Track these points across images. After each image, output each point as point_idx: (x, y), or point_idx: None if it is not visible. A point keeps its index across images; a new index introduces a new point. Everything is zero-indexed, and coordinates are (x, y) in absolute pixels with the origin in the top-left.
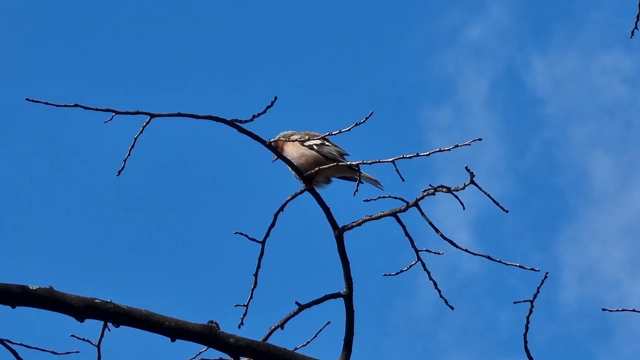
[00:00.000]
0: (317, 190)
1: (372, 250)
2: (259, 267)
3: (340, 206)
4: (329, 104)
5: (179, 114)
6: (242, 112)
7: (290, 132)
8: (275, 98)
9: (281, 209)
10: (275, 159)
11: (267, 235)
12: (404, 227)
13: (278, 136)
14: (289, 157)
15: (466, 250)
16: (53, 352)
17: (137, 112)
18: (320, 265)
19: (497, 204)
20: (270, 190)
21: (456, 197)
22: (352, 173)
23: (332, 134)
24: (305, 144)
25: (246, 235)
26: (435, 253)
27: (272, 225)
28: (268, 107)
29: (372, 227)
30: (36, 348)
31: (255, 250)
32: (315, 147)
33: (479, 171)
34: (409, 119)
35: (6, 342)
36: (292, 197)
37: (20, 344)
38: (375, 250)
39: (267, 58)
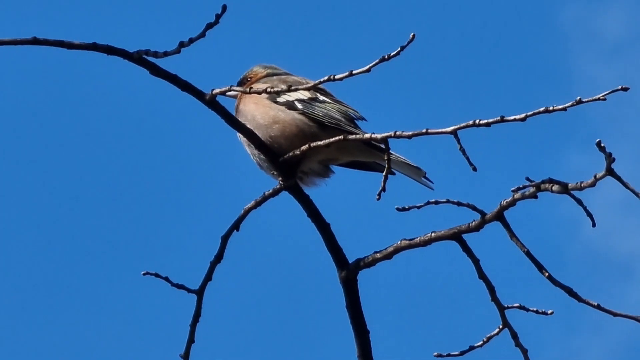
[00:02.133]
0: (306, 190)
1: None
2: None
3: (347, 218)
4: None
5: (35, 40)
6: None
7: (265, 69)
8: (224, 7)
9: (235, 227)
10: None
11: (204, 286)
12: (472, 255)
13: (242, 77)
14: (249, 124)
15: (585, 302)
16: None
17: None
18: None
19: None
20: (220, 185)
21: (578, 201)
22: (373, 156)
23: (334, 79)
24: (280, 99)
25: (182, 287)
26: (533, 312)
27: (209, 275)
28: (209, 25)
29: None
30: None
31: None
32: (299, 105)
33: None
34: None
35: None
36: (256, 206)
37: None
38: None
39: None
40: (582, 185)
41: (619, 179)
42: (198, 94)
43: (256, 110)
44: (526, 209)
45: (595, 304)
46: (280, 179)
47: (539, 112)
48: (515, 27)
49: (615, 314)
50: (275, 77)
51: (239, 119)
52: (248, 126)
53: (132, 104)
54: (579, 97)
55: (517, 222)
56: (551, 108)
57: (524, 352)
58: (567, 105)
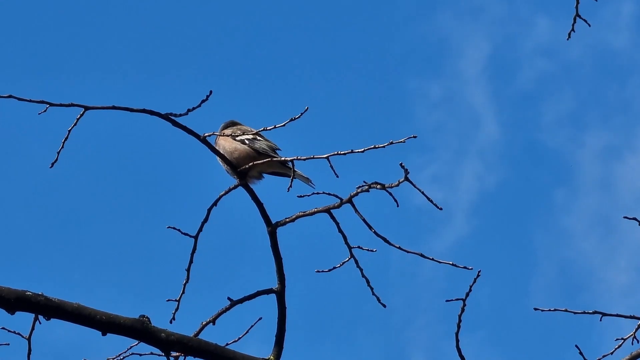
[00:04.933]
0: (251, 186)
1: (306, 247)
2: (191, 262)
3: (274, 202)
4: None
5: (113, 107)
6: (179, 106)
7: (231, 122)
8: (210, 92)
9: (214, 203)
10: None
11: (200, 230)
12: (337, 223)
13: (221, 127)
14: (222, 151)
15: (399, 248)
16: None
17: (72, 105)
18: (254, 261)
19: (432, 201)
20: (204, 185)
21: (390, 194)
22: (285, 169)
23: (266, 129)
24: (237, 138)
25: (179, 230)
26: (368, 250)
27: (205, 220)
28: (203, 101)
29: (306, 224)
30: None
31: (188, 245)
32: (247, 142)
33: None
34: (396, 90)
35: None
36: (226, 192)
37: None
38: (309, 247)
39: (218, 47)
40: (392, 185)
41: (413, 184)
42: (196, 136)
43: (225, 144)
44: (368, 198)
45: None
46: (237, 179)
47: (370, 148)
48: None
49: (408, 252)
50: (235, 127)
51: (218, 149)
52: (222, 152)
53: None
54: (374, 144)
55: (362, 206)
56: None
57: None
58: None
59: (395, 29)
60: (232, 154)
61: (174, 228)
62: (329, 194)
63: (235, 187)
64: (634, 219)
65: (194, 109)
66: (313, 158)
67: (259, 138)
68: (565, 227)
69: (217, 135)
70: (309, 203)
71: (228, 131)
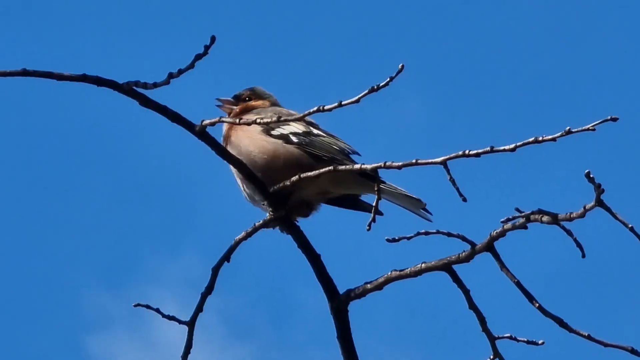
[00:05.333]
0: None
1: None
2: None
3: (335, 244)
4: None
5: (25, 72)
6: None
7: (252, 93)
8: (213, 38)
9: (225, 258)
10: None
11: (196, 316)
12: (462, 286)
13: (229, 103)
14: (241, 155)
15: (588, 337)
16: None
17: None
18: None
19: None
20: (210, 216)
21: (568, 232)
22: (365, 187)
23: (323, 110)
24: (274, 131)
25: (175, 319)
26: (529, 342)
27: (200, 308)
28: (199, 55)
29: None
30: None
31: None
32: (294, 139)
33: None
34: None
35: None
36: (246, 237)
37: None
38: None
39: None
40: (571, 216)
41: (608, 209)
42: (188, 125)
43: (251, 145)
44: (516, 240)
45: (586, 334)
46: (270, 209)
47: (529, 143)
48: (504, 60)
49: (605, 345)
50: (264, 109)
51: (230, 150)
52: (240, 158)
53: (121, 135)
54: (568, 128)
55: (507, 252)
56: (540, 138)
57: None
58: (556, 135)
59: None
60: (261, 160)
61: (169, 317)
62: (450, 235)
63: (265, 224)
64: None
65: (178, 74)
66: (416, 164)
67: (315, 132)
68: None
69: (230, 123)
70: (408, 249)
71: (251, 116)
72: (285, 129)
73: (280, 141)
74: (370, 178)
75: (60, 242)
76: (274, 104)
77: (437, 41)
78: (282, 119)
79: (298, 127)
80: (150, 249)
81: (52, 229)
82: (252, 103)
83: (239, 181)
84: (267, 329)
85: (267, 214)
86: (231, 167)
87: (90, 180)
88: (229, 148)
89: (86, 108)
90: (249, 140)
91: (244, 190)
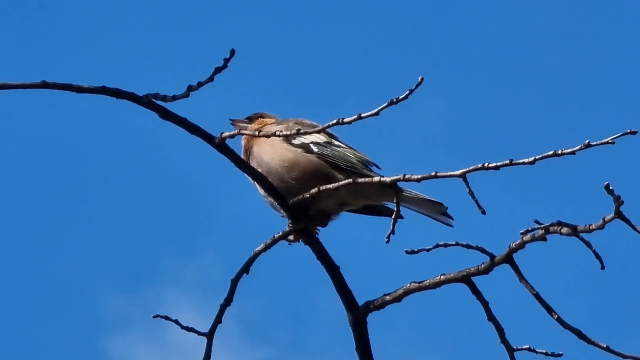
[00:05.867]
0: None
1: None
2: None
3: (354, 256)
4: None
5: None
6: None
7: (270, 118)
8: (233, 51)
9: (245, 270)
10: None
11: (214, 328)
12: (481, 297)
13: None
14: (261, 167)
15: (607, 349)
16: None
17: None
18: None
19: None
20: (229, 228)
21: (587, 244)
22: (386, 196)
23: (342, 122)
24: (296, 140)
25: (193, 330)
26: (547, 355)
27: (219, 320)
28: (218, 69)
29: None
30: None
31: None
32: (314, 148)
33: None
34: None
35: None
36: (265, 249)
37: None
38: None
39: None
40: (590, 227)
41: (627, 221)
42: (207, 137)
43: (273, 153)
44: (535, 251)
45: (605, 345)
46: (289, 221)
47: (548, 156)
48: (519, 69)
49: (624, 356)
50: (290, 119)
51: (252, 161)
52: (260, 170)
53: (141, 147)
54: (587, 141)
55: (526, 264)
56: (560, 152)
57: None
58: (575, 148)
59: None
60: (284, 172)
61: (188, 328)
62: (469, 247)
63: (285, 236)
64: None
65: (197, 87)
66: (435, 177)
67: (336, 142)
68: None
69: (249, 135)
70: (427, 261)
71: (271, 127)
72: (306, 139)
73: (300, 150)
74: (390, 186)
75: (81, 245)
76: (271, 117)
77: (462, 44)
78: (301, 131)
79: (319, 138)
80: (169, 252)
81: (73, 233)
82: (267, 119)
83: (259, 189)
84: (285, 333)
85: (287, 226)
86: (251, 179)
87: (109, 186)
88: (250, 159)
89: (105, 122)
90: (271, 149)
91: (266, 198)
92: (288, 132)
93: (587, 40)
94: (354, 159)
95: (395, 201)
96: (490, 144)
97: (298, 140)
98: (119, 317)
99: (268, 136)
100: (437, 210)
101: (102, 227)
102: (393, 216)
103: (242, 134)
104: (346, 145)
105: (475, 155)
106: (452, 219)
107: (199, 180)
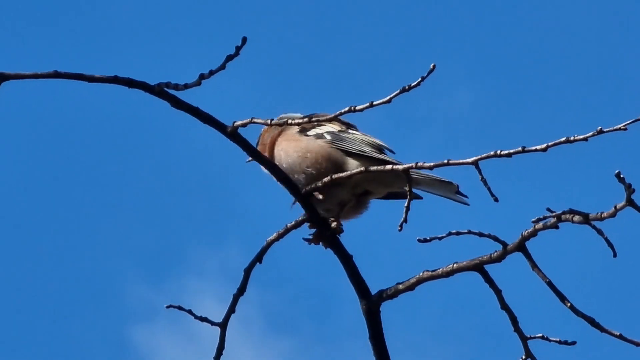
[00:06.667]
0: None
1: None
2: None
3: (367, 245)
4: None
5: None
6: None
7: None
8: (244, 39)
9: (257, 259)
10: (250, 160)
11: (227, 318)
12: (494, 286)
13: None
14: (281, 162)
15: (620, 337)
16: None
17: None
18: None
19: None
20: (241, 217)
21: (599, 231)
22: (400, 181)
23: (354, 110)
24: (311, 131)
25: (207, 320)
26: (561, 343)
27: (232, 309)
28: (230, 56)
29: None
30: None
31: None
32: (327, 136)
33: None
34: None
35: None
36: (278, 238)
37: None
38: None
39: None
40: (602, 215)
41: (638, 209)
42: (219, 126)
43: (288, 146)
44: (548, 239)
45: (618, 333)
46: (306, 211)
47: (560, 142)
48: (535, 58)
49: (638, 344)
50: (295, 115)
51: (267, 154)
52: (278, 164)
53: (153, 136)
54: (600, 127)
55: (539, 252)
56: (572, 138)
57: None
58: (588, 135)
59: None
60: (292, 158)
61: (201, 318)
62: (482, 235)
63: (297, 225)
64: None
65: (209, 75)
66: (448, 164)
67: (350, 131)
68: None
69: (262, 124)
70: (440, 249)
71: (289, 121)
72: (321, 129)
73: (312, 137)
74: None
75: (106, 236)
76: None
77: (493, 34)
78: (313, 118)
79: (334, 127)
80: (193, 242)
81: (99, 224)
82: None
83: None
84: (308, 323)
85: (302, 215)
86: (265, 170)
87: (131, 176)
88: (266, 154)
89: (117, 111)
90: (286, 142)
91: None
92: (300, 120)
93: (614, 27)
94: (365, 144)
95: (407, 189)
96: (518, 131)
97: (313, 132)
98: (144, 306)
99: (281, 124)
100: (450, 190)
101: (127, 218)
102: (405, 204)
103: (254, 123)
104: (361, 133)
105: (501, 143)
106: (466, 197)
107: (222, 171)
